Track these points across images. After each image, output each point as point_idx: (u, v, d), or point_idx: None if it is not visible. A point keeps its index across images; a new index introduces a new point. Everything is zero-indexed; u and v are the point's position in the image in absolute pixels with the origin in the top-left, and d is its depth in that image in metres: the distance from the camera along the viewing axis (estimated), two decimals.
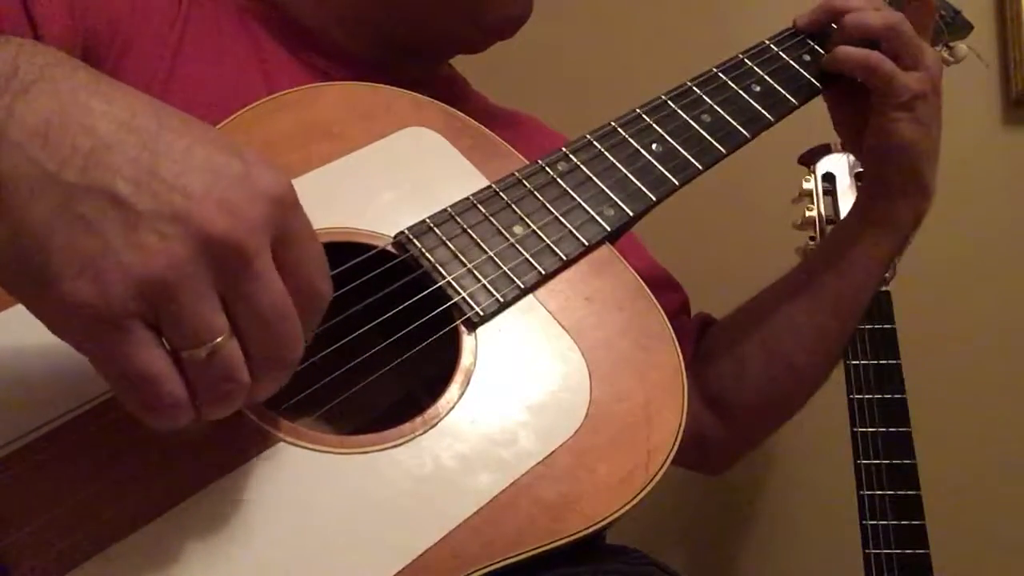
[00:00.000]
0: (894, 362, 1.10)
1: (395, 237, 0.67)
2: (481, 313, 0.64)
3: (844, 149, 1.13)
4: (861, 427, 1.08)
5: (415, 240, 0.66)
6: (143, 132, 0.43)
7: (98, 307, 0.41)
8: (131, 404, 0.45)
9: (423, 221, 0.67)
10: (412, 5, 0.86)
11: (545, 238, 0.69)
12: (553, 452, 0.60)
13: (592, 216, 0.71)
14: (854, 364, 1.10)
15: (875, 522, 1.05)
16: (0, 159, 0.41)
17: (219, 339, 0.44)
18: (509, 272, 0.66)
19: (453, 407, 0.60)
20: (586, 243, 0.69)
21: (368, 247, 0.66)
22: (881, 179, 0.90)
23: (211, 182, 0.43)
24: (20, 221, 0.41)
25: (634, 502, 0.59)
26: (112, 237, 0.41)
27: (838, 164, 1.15)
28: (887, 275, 1.13)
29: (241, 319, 0.45)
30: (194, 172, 0.43)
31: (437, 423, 0.59)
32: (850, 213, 0.94)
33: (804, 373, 0.94)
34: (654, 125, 0.77)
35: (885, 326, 1.12)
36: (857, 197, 0.94)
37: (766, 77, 0.82)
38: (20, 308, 0.54)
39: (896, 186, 0.88)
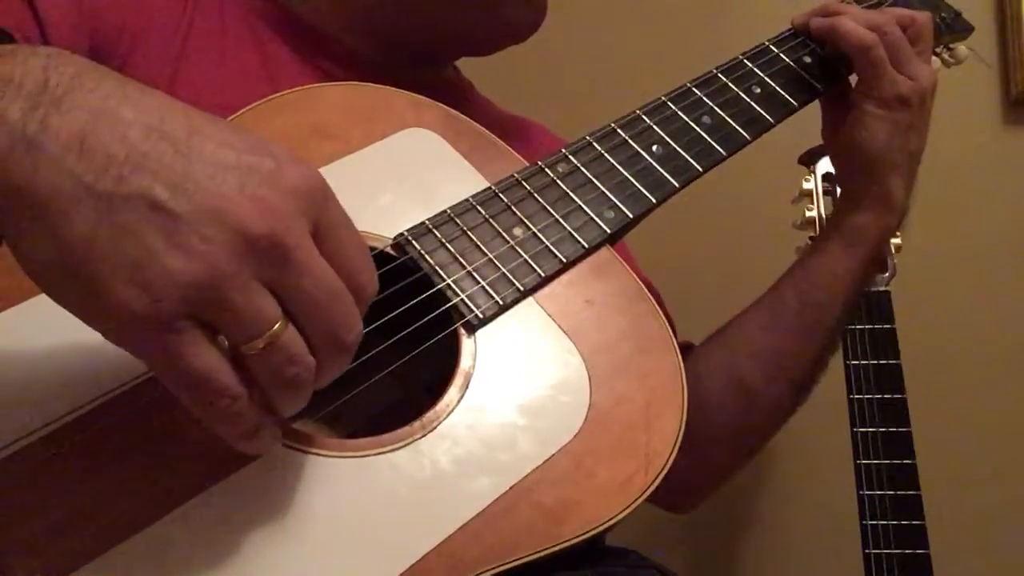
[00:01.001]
0: (894, 362, 1.10)
1: (394, 239, 0.67)
2: (481, 316, 0.64)
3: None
4: (861, 427, 1.08)
5: (414, 242, 0.66)
6: (174, 137, 0.44)
7: (149, 314, 0.42)
8: (194, 406, 0.46)
9: (422, 223, 0.67)
10: (428, 7, 0.86)
11: (545, 240, 0.69)
12: (552, 456, 0.60)
13: (592, 218, 0.71)
14: (854, 364, 1.10)
15: (875, 522, 1.05)
16: (38, 174, 0.42)
17: (274, 327, 0.45)
18: (509, 274, 0.66)
19: (452, 410, 0.60)
20: (586, 245, 0.69)
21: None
22: (849, 186, 0.89)
23: (243, 181, 0.44)
24: (63, 234, 0.42)
25: (633, 506, 0.59)
26: (155, 243, 0.42)
27: None
28: (886, 275, 1.13)
29: (294, 307, 0.46)
30: (226, 172, 0.44)
31: (436, 426, 0.59)
32: (822, 230, 0.93)
33: (762, 398, 0.90)
34: (654, 127, 0.77)
35: (885, 326, 1.12)
36: (831, 214, 0.93)
37: (766, 79, 0.82)
38: (21, 308, 0.55)
39: (862, 195, 0.87)
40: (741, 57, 0.84)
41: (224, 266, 0.43)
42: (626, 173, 0.74)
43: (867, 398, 1.09)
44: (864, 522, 1.06)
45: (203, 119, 0.46)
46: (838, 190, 1.13)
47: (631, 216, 0.72)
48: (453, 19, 0.86)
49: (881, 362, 1.10)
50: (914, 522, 1.05)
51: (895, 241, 1.16)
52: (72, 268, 0.42)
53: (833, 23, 0.83)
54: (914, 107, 0.83)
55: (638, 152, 0.75)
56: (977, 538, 1.35)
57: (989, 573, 1.36)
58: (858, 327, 1.12)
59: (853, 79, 0.87)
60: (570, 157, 0.74)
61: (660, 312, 0.68)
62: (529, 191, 0.71)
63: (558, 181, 0.72)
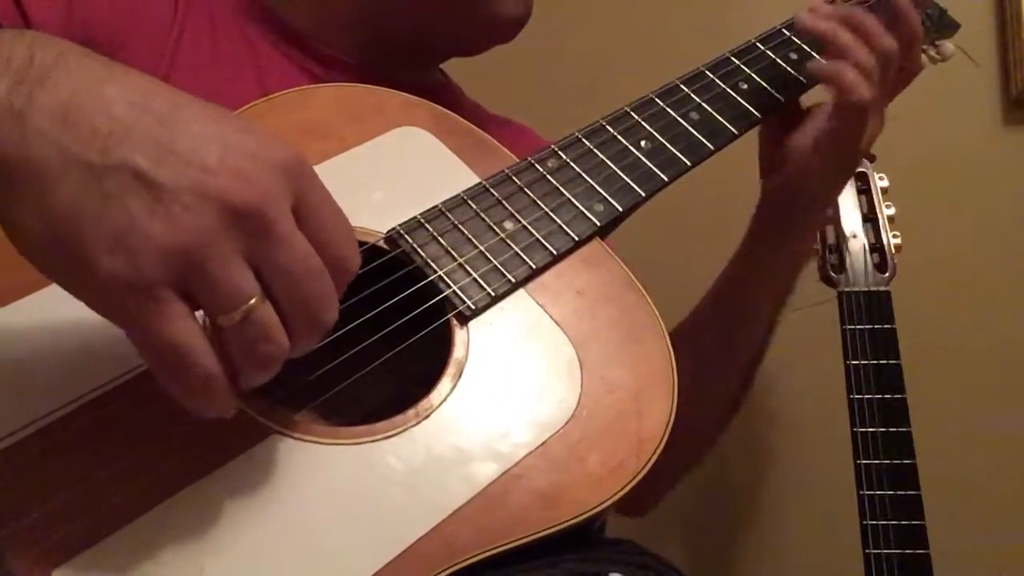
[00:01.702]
0: (894, 362, 1.10)
1: (387, 233, 0.67)
2: (473, 307, 0.65)
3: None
4: (861, 427, 1.08)
5: (406, 236, 0.67)
6: (158, 112, 0.45)
7: (130, 279, 0.43)
8: (165, 378, 0.46)
9: (414, 217, 0.68)
10: (413, 8, 0.87)
11: (535, 233, 0.69)
12: (545, 442, 0.61)
13: (582, 211, 0.72)
14: (854, 364, 1.10)
15: (875, 522, 1.05)
16: (25, 146, 0.43)
17: (251, 301, 0.45)
18: (500, 266, 0.67)
19: (445, 399, 0.61)
20: (576, 238, 0.70)
21: (360, 243, 0.66)
22: (779, 216, 0.90)
23: (224, 154, 0.45)
24: (49, 204, 0.43)
25: (625, 491, 0.60)
26: (138, 211, 0.43)
27: None
28: (886, 275, 1.14)
29: (271, 282, 0.46)
30: (209, 146, 0.45)
31: (430, 414, 0.60)
32: (737, 253, 0.94)
33: (691, 424, 0.92)
34: (643, 123, 0.78)
35: (885, 326, 1.12)
36: (745, 236, 0.94)
37: (753, 75, 0.84)
38: (25, 300, 0.56)
39: (790, 228, 0.90)
40: (728, 54, 0.85)
41: (204, 235, 0.44)
42: (615, 167, 0.75)
43: (867, 398, 1.09)
44: (864, 522, 1.06)
45: (186, 98, 0.48)
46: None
47: (620, 209, 0.73)
48: (438, 19, 0.87)
49: (881, 362, 1.10)
50: (914, 522, 1.04)
51: (895, 241, 1.16)
52: (58, 236, 0.43)
53: (838, 74, 0.80)
54: (859, 159, 0.88)
55: (626, 147, 0.76)
56: (977, 538, 1.34)
57: (989, 573, 1.36)
58: (858, 327, 1.12)
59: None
60: (559, 153, 0.75)
61: (649, 301, 0.69)
62: (519, 186, 0.72)
63: (548, 176, 0.73)
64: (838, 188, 0.90)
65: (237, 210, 0.44)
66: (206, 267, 0.44)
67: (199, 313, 0.46)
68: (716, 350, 0.92)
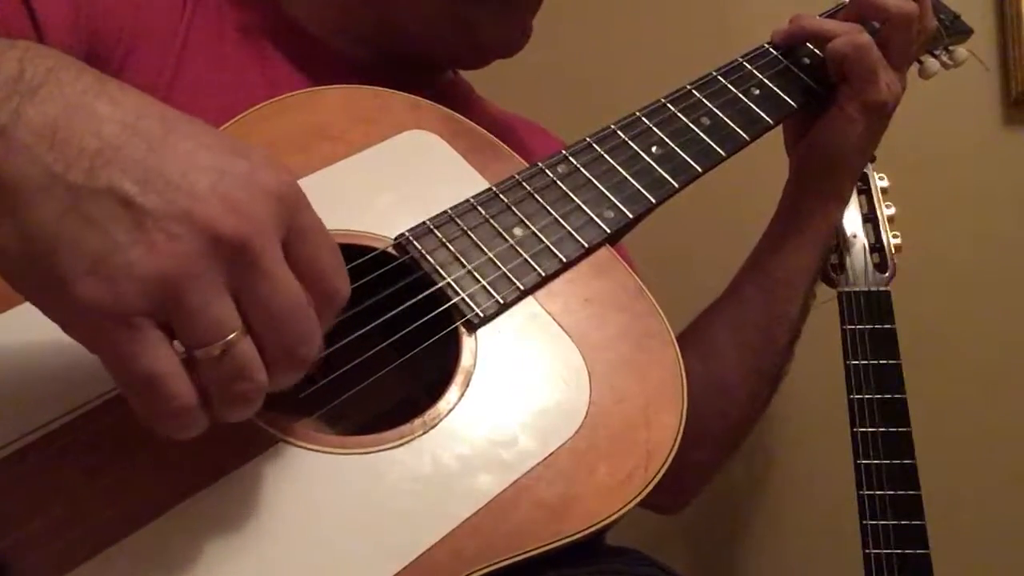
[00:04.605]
0: (894, 362, 1.10)
1: (395, 239, 0.67)
2: (481, 314, 0.64)
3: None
4: (861, 427, 1.08)
5: (415, 242, 0.66)
6: (148, 134, 0.44)
7: (108, 306, 0.41)
8: (139, 407, 0.45)
9: (423, 223, 0.68)
10: (410, 32, 0.87)
11: (545, 240, 0.69)
12: (553, 453, 0.60)
13: (592, 218, 0.71)
14: (854, 364, 1.10)
15: (875, 522, 1.05)
16: (8, 162, 0.42)
17: (231, 336, 0.44)
18: (509, 273, 0.67)
19: (453, 408, 0.61)
20: (586, 245, 0.70)
21: (369, 249, 0.66)
22: (806, 182, 0.91)
23: (215, 181, 0.44)
24: (29, 222, 0.42)
25: (634, 503, 0.60)
26: (120, 236, 0.42)
27: None
28: (886, 275, 1.14)
29: (253, 317, 0.45)
30: (199, 171, 0.44)
31: (437, 424, 0.60)
32: (771, 225, 0.95)
33: (739, 394, 0.93)
34: (653, 128, 0.77)
35: (885, 326, 1.12)
36: (778, 208, 0.94)
37: (765, 80, 0.83)
38: (22, 308, 0.55)
39: (818, 192, 0.91)
40: (740, 60, 0.84)
41: (188, 265, 0.42)
42: (625, 173, 0.74)
43: (867, 398, 1.09)
44: (864, 522, 1.05)
45: (179, 119, 0.46)
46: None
47: (631, 216, 0.72)
48: (437, 44, 0.87)
49: (881, 362, 1.10)
50: (914, 522, 1.04)
51: (895, 241, 1.16)
52: (35, 257, 0.42)
53: (823, 29, 0.86)
54: (887, 115, 0.86)
55: (637, 153, 0.76)
56: (977, 538, 1.35)
57: (989, 573, 1.37)
58: (858, 327, 1.12)
59: None
60: (570, 158, 0.74)
61: (659, 310, 0.69)
62: (529, 191, 0.71)
63: (558, 182, 0.72)
64: (859, 150, 0.89)
65: (223, 241, 0.43)
66: (186, 298, 0.42)
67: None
68: (760, 320, 0.92)
